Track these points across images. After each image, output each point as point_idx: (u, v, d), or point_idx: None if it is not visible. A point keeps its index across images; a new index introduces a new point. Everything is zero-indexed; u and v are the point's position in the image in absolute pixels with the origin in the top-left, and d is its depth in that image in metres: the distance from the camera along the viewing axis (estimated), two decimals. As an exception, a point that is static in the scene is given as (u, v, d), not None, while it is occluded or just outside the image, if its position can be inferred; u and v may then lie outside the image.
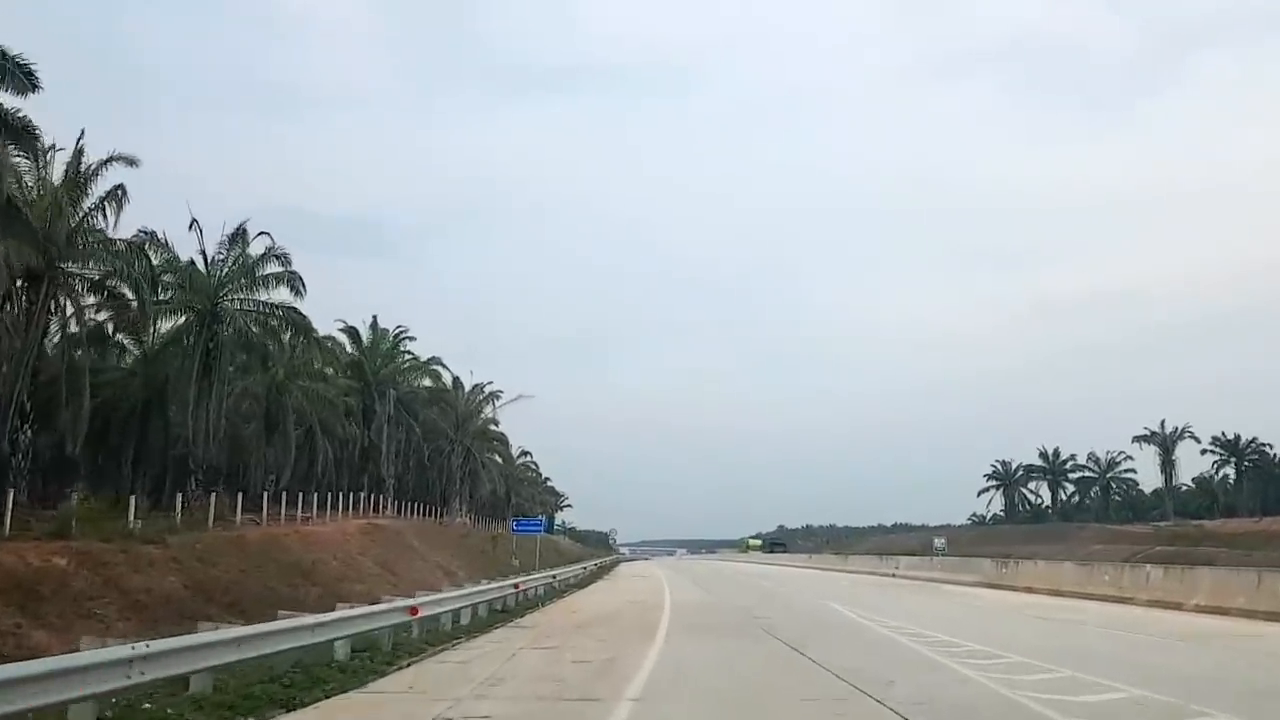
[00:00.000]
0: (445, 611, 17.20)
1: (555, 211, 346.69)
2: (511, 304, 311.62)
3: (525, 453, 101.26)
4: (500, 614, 20.86)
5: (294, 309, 35.20)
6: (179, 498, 28.96)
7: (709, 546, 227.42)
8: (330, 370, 48.29)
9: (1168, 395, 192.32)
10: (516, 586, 22.85)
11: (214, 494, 30.99)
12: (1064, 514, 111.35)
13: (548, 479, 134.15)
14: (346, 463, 52.07)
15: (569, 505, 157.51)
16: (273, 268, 34.73)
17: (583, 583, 35.97)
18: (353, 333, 48.12)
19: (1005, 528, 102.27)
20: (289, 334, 35.76)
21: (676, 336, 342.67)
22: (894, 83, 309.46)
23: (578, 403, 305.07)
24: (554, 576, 32.40)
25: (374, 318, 49.22)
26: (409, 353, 51.33)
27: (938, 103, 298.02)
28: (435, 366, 58.02)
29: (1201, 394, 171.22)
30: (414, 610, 14.84)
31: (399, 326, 50.11)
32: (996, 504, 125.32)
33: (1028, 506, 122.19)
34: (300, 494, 39.99)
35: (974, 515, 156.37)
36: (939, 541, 41.18)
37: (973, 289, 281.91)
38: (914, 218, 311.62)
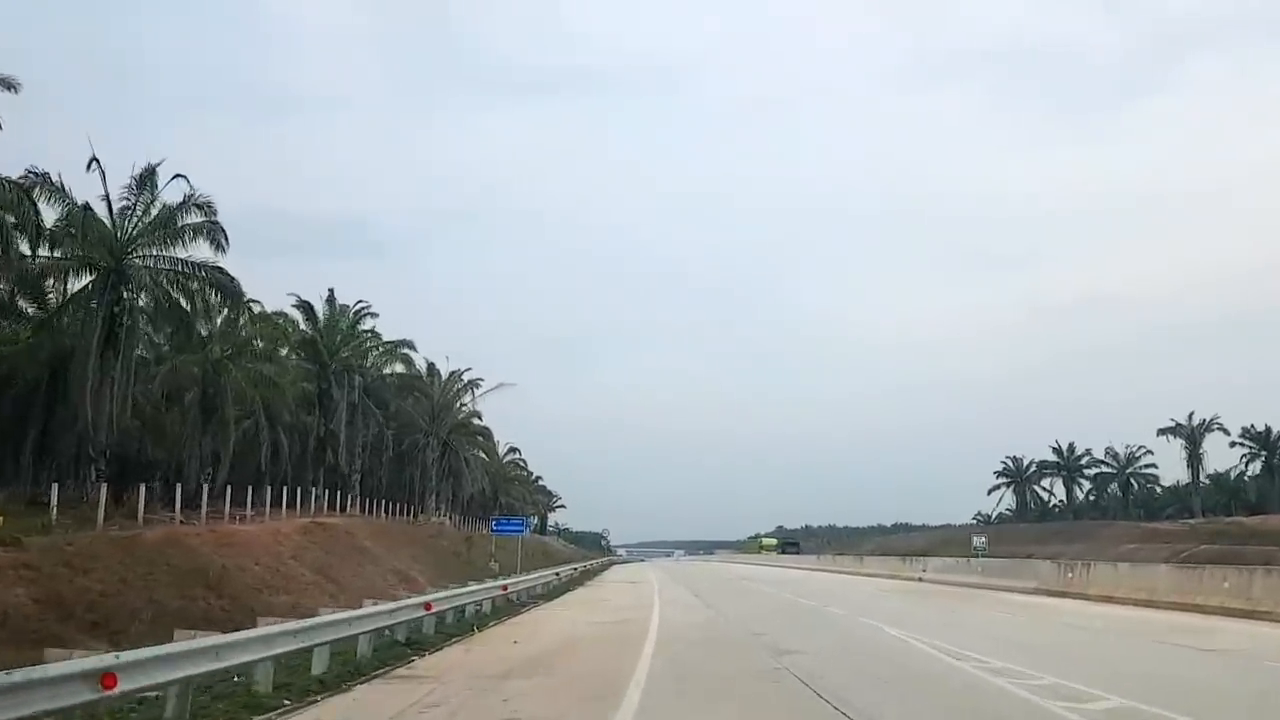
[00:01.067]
0: (264, 659, 10.31)
1: (546, 213, 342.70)
2: (505, 305, 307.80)
3: (513, 449, 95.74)
4: (403, 647, 14.90)
5: (219, 269, 29.66)
6: (56, 490, 23.45)
7: (706, 548, 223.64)
8: (284, 351, 42.81)
9: (1165, 396, 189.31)
10: (427, 607, 16.42)
11: (106, 485, 25.40)
12: (1079, 512, 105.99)
13: (539, 478, 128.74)
14: (305, 456, 46.56)
15: (562, 506, 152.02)
16: (194, 218, 29.24)
17: (554, 592, 30.42)
18: (306, 308, 42.67)
19: (1021, 526, 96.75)
20: (215, 298, 30.16)
21: (672, 338, 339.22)
22: (887, 84, 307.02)
23: (572, 404, 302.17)
24: (504, 587, 26.91)
25: (330, 291, 43.77)
26: (373, 332, 45.76)
27: (931, 104, 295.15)
28: (405, 350, 52.43)
29: (1200, 395, 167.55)
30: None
31: (360, 302, 44.61)
32: (1007, 502, 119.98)
33: (1039, 505, 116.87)
34: (251, 489, 34.66)
35: (979, 515, 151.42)
36: (979, 540, 35.51)
37: (968, 290, 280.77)
38: (908, 219, 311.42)
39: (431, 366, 58.21)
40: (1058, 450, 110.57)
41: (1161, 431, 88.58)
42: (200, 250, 29.04)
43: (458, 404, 62.41)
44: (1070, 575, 24.44)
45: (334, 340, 43.42)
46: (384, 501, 55.74)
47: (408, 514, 57.64)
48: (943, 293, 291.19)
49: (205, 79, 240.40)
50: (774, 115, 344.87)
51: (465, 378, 60.06)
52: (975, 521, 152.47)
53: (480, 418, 77.31)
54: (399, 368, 54.18)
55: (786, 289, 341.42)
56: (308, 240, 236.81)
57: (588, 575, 48.05)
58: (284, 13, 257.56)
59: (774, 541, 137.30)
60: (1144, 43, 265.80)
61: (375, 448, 62.85)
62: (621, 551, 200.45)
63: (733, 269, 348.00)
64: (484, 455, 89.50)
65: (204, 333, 34.65)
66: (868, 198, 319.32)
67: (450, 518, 70.25)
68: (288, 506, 38.24)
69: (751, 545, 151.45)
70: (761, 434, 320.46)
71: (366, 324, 44.54)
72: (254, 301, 38.50)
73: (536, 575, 27.56)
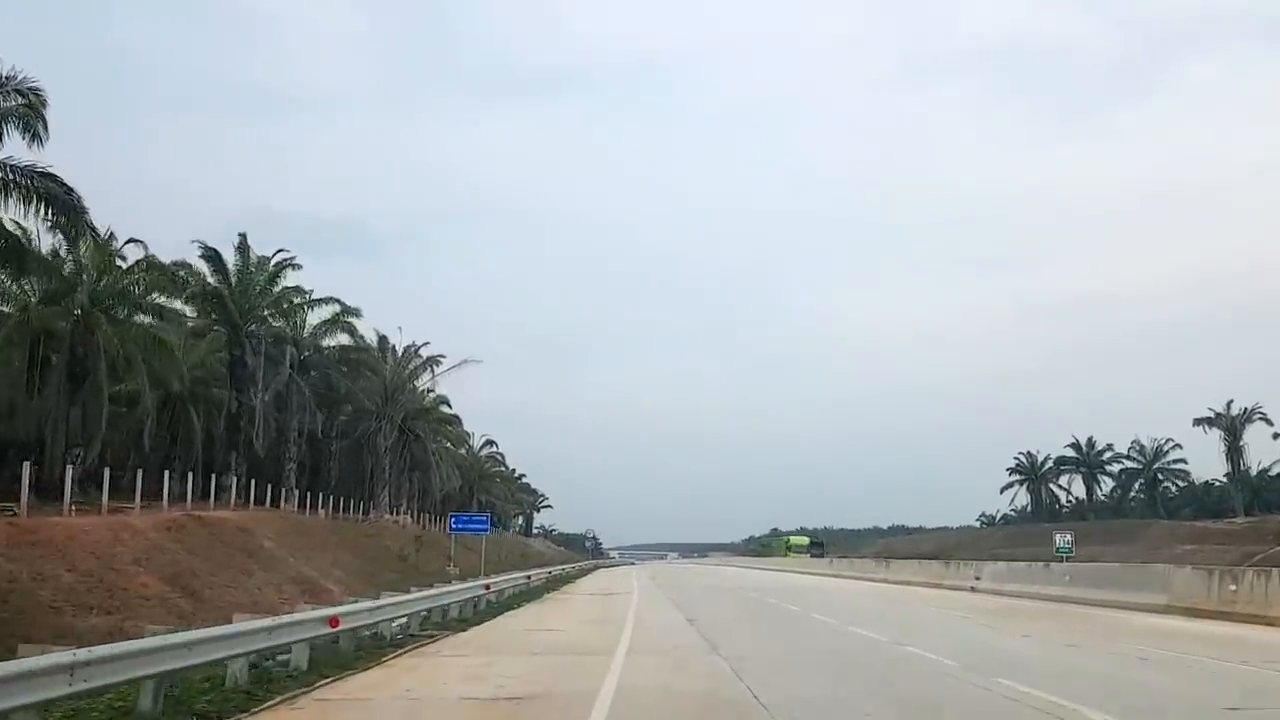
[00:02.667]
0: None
1: (539, 213, 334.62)
2: (498, 306, 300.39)
3: (490, 442, 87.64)
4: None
5: (49, 175, 21.92)
6: None
7: (700, 550, 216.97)
8: (185, 308, 35.00)
9: (1168, 396, 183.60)
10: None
11: None
12: (1099, 511, 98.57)
13: (522, 475, 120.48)
14: (216, 438, 38.77)
15: (548, 505, 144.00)
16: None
17: (486, 614, 21.40)
18: (213, 257, 34.75)
19: (1044, 526, 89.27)
20: (44, 212, 22.33)
21: (667, 339, 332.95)
22: (882, 85, 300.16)
23: (565, 405, 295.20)
24: (373, 606, 19.40)
25: (241, 237, 35.80)
26: (301, 289, 37.79)
27: (927, 105, 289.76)
28: (350, 319, 44.60)
29: (1199, 397, 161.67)
30: None
31: (281, 250, 36.59)
32: (1020, 500, 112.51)
33: (1053, 503, 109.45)
34: (140, 473, 27.03)
35: (983, 515, 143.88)
36: (1064, 538, 27.70)
37: (962, 291, 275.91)
38: (901, 221, 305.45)
39: (384, 340, 50.35)
40: (1076, 445, 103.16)
41: (1197, 422, 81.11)
42: (15, 149, 21.33)
43: (418, 385, 54.50)
44: (1233, 588, 16.72)
45: (248, 297, 35.55)
46: (333, 497, 48.17)
47: (363, 512, 49.91)
48: (936, 292, 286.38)
49: (200, 79, 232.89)
50: (768, 116, 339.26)
51: (424, 353, 52.04)
52: (980, 524, 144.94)
53: (450, 405, 69.65)
54: (346, 339, 46.34)
55: (781, 289, 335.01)
56: (305, 241, 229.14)
57: (558, 583, 40.27)
58: (277, 14, 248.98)
59: (805, 541, 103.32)
60: (1139, 43, 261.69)
61: (324, 434, 55.19)
62: (614, 554, 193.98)
63: (728, 270, 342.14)
64: (459, 448, 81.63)
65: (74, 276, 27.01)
66: (863, 198, 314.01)
67: (418, 517, 62.37)
68: (198, 499, 30.83)
69: (776, 545, 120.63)
70: (756, 436, 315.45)
71: (290, 279, 36.64)
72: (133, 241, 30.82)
73: (456, 588, 19.66)
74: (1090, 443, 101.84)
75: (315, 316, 44.95)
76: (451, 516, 43.53)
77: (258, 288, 35.92)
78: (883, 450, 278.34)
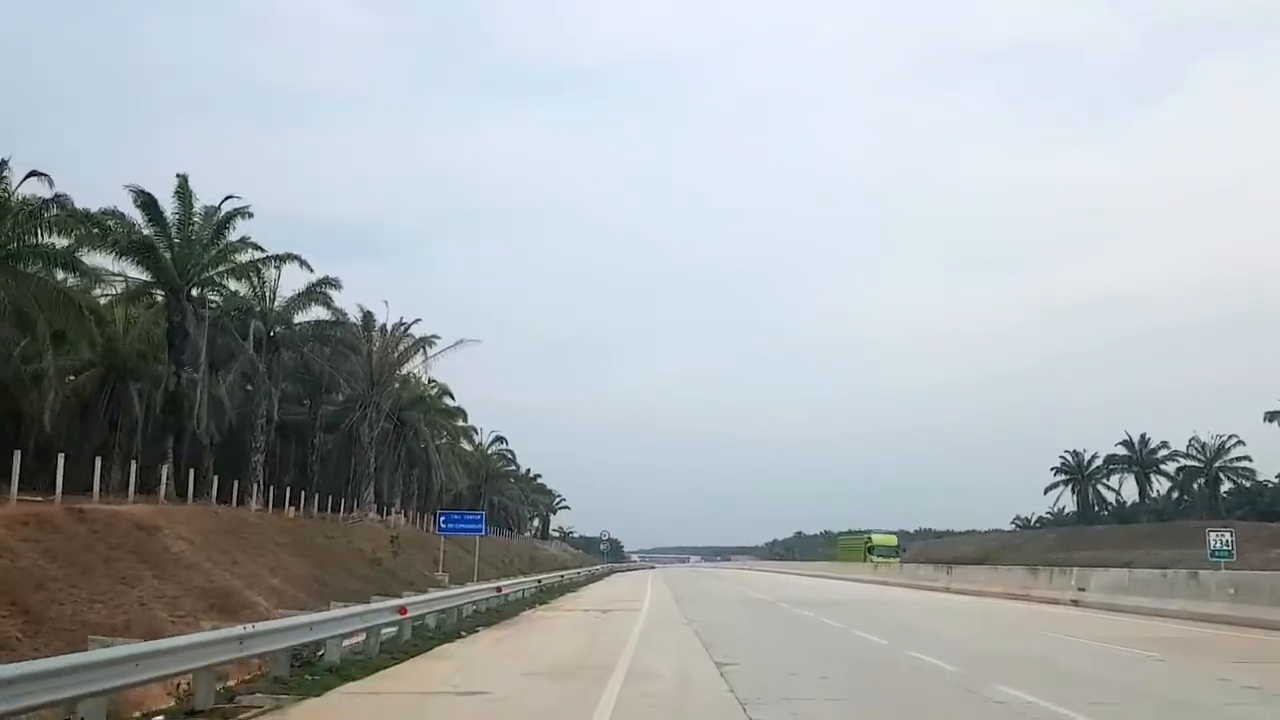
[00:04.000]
0: None
1: (553, 215, 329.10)
2: (514, 308, 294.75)
3: (499, 438, 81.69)
4: None
5: None
6: None
7: (723, 553, 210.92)
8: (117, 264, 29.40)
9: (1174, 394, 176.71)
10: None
11: None
12: (1148, 514, 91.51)
13: (538, 475, 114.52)
14: (158, 422, 33.15)
15: (566, 506, 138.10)
16: None
17: (419, 647, 14.29)
18: (147, 204, 29.02)
19: (1097, 529, 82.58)
20: None
21: (683, 339, 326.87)
22: (897, 84, 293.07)
23: (585, 408, 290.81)
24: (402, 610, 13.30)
25: (181, 179, 29.88)
26: (257, 247, 31.92)
27: (943, 104, 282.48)
28: (326, 289, 38.98)
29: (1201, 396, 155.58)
30: None
31: (230, 197, 30.72)
32: (1066, 501, 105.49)
33: (1100, 504, 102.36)
34: (62, 459, 21.55)
35: (1018, 518, 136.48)
36: (1220, 538, 21.13)
37: (981, 290, 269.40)
38: (913, 221, 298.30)
39: (369, 317, 44.58)
40: (1128, 443, 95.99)
41: (1270, 416, 73.89)
42: None
43: (413, 371, 48.82)
44: None
45: (190, 252, 29.82)
46: (317, 495, 42.70)
47: (345, 511, 44.23)
48: (955, 291, 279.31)
49: (214, 81, 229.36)
50: (781, 114, 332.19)
51: (415, 333, 46.31)
52: (1014, 526, 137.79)
53: (452, 396, 63.87)
54: (323, 313, 40.73)
55: (802, 288, 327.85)
56: (318, 244, 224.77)
57: (552, 593, 34.37)
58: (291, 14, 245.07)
59: (893, 541, 79.78)
60: (1158, 41, 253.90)
61: (311, 424, 49.65)
62: (635, 557, 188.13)
63: (746, 268, 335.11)
64: (458, 441, 75.83)
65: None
66: (879, 198, 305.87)
67: (419, 518, 56.57)
68: (138, 491, 25.49)
69: (841, 546, 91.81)
70: (778, 437, 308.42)
71: (240, 229, 30.75)
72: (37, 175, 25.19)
73: (385, 606, 13.61)
74: (1144, 440, 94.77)
75: (288, 288, 39.45)
76: (440, 514, 37.81)
77: (202, 242, 30.19)
78: (903, 452, 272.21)
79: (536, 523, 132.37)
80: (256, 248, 31.75)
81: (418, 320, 46.42)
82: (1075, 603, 22.67)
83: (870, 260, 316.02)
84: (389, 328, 45.64)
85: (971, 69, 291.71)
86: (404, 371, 48.37)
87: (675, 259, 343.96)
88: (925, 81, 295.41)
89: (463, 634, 16.91)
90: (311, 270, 35.37)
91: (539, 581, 37.25)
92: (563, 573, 50.52)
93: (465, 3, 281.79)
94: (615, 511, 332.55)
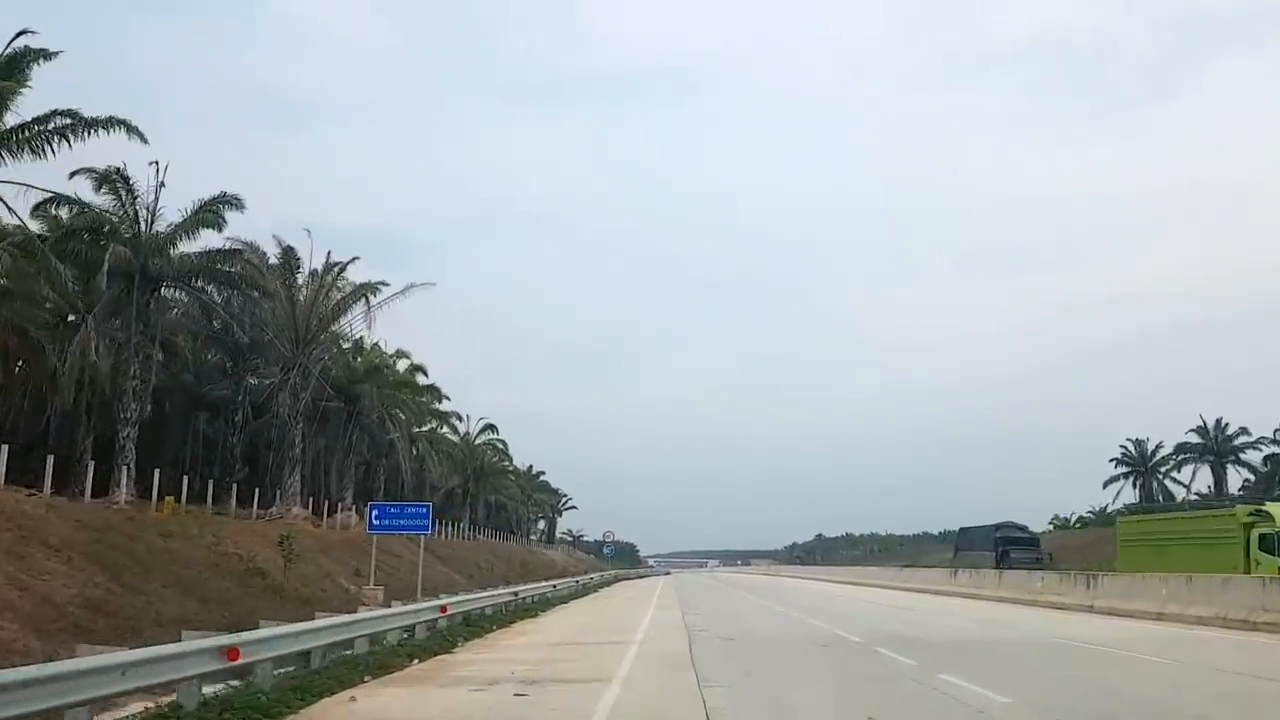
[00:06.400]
0: None
1: (569, 219, 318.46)
2: (530, 313, 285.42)
3: (489, 426, 71.55)
4: None
5: None
6: None
7: (743, 557, 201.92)
8: None
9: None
10: None
11: None
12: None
13: (541, 473, 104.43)
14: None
15: (572, 507, 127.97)
16: None
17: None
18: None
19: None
20: None
21: (697, 342, 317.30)
22: (913, 83, 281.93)
23: (601, 413, 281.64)
24: None
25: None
26: (82, 118, 21.99)
27: (960, 103, 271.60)
28: (220, 207, 29.42)
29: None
30: None
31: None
32: (1126, 496, 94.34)
33: (1168, 498, 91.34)
34: None
35: (1055, 518, 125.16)
36: None
37: (1000, 290, 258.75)
38: (932, 219, 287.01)
39: (289, 252, 34.59)
40: (1202, 430, 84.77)
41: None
42: None
43: (362, 331, 38.99)
44: None
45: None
46: (235, 486, 33.43)
47: (259, 505, 34.54)
48: (975, 291, 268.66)
49: (231, 90, 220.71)
50: (798, 115, 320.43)
51: (353, 277, 36.48)
52: (1051, 527, 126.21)
53: (426, 374, 53.96)
54: (217, 241, 31.18)
55: (818, 289, 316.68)
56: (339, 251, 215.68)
57: (514, 616, 24.50)
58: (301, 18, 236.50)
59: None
60: (1174, 39, 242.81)
61: (231, 395, 40.09)
62: (652, 562, 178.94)
63: (762, 270, 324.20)
64: (449, 433, 66.02)
65: None
66: (896, 198, 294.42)
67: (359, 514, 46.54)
68: None
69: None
70: (798, 439, 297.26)
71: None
72: None
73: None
74: (1221, 425, 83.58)
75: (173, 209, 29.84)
76: (371, 506, 27.92)
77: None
78: (925, 452, 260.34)
79: (542, 525, 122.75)
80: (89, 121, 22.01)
81: (355, 259, 36.60)
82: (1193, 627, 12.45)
83: (891, 260, 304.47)
84: (320, 271, 35.82)
85: (991, 68, 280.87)
86: (356, 333, 38.48)
87: (690, 260, 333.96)
88: (946, 80, 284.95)
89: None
90: (240, 208, 25.79)
91: (515, 594, 27.66)
92: (555, 583, 40.81)
93: (477, 6, 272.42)
94: (633, 517, 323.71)
